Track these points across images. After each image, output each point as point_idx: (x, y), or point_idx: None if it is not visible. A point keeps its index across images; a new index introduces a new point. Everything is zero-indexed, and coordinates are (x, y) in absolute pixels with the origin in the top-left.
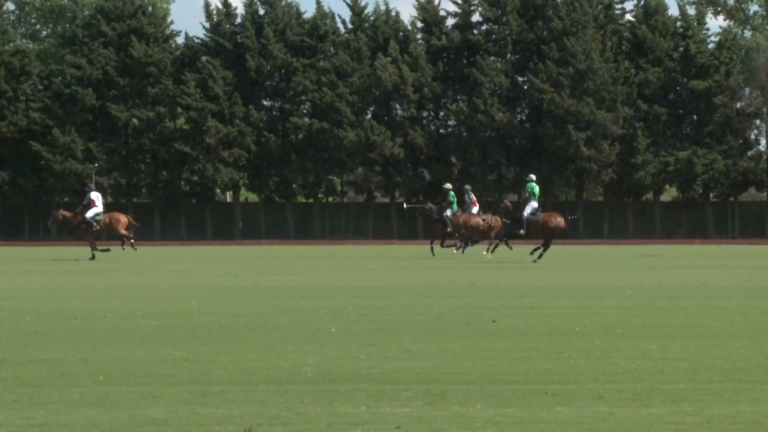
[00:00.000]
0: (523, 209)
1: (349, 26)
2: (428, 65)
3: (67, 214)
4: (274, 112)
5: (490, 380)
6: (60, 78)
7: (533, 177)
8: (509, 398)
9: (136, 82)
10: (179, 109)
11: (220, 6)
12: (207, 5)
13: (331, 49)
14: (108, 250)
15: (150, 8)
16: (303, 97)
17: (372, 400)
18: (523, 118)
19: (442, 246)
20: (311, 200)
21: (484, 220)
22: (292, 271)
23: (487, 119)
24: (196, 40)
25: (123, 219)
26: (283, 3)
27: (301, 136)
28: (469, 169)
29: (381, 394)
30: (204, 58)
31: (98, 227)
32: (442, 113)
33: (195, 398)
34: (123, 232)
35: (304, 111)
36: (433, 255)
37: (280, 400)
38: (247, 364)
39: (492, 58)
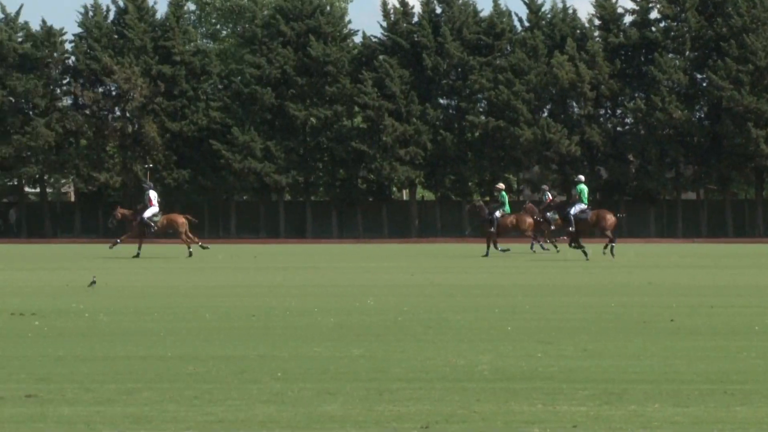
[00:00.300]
0: (570, 208)
1: (526, 24)
2: (605, 63)
3: (126, 212)
4: (451, 111)
5: (668, 379)
6: (239, 77)
7: (582, 178)
8: (687, 398)
9: (314, 81)
10: (356, 108)
11: (398, 5)
12: (384, 4)
13: (508, 47)
14: (204, 247)
15: (328, 8)
16: (479, 96)
17: (548, 399)
18: (702, 115)
19: (495, 247)
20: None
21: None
22: (467, 269)
23: (665, 117)
24: (373, 39)
25: (181, 220)
26: (460, 2)
27: (477, 134)
28: (647, 167)
29: (557, 393)
30: (381, 57)
31: (156, 228)
32: (619, 111)
33: (372, 395)
34: (184, 237)
35: (480, 109)
36: (486, 255)
37: (455, 397)
38: (424, 362)
39: (670, 55)
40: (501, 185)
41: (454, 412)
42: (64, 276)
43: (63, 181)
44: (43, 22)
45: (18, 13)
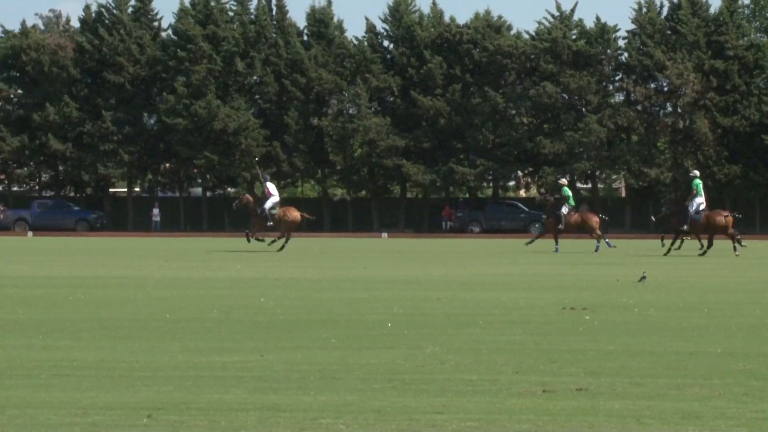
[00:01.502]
0: (689, 206)
1: None
2: None
3: (251, 199)
4: None
5: None
6: None
7: (697, 173)
8: None
9: None
10: None
11: None
12: None
13: None
14: (262, 240)
15: None
16: None
17: None
18: None
19: (555, 242)
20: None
21: (601, 216)
22: None
23: None
24: None
25: (295, 214)
26: None
27: None
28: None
29: None
30: None
31: (272, 222)
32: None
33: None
34: (287, 233)
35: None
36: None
37: None
38: None
39: None
40: (564, 180)
41: None
42: (614, 271)
43: (614, 176)
44: (597, 19)
45: (573, 10)
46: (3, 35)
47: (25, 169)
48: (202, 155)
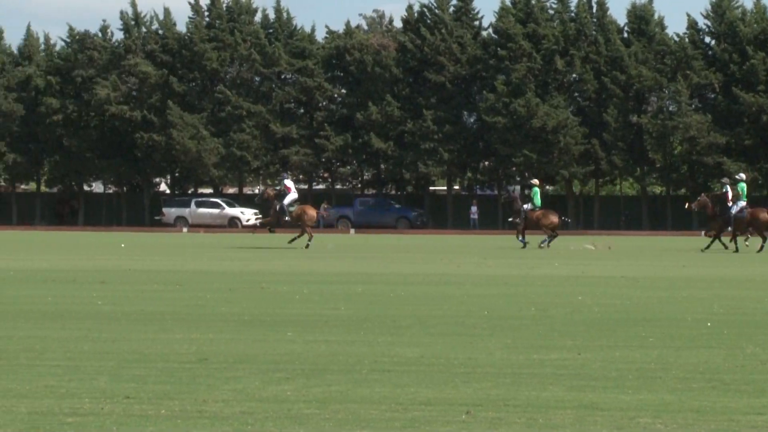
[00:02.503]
0: (730, 207)
1: None
2: None
3: (272, 194)
4: None
5: None
6: None
7: (743, 176)
8: None
9: None
10: None
11: None
12: None
13: None
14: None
15: None
16: None
17: None
18: None
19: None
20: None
21: (562, 218)
22: None
23: None
24: None
25: (312, 213)
26: None
27: None
28: None
29: None
30: None
31: (289, 218)
32: None
33: None
34: (307, 229)
35: None
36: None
37: None
38: None
39: None
40: (536, 180)
41: None
42: None
43: None
44: None
45: None
46: (328, 35)
47: (348, 167)
48: (521, 153)
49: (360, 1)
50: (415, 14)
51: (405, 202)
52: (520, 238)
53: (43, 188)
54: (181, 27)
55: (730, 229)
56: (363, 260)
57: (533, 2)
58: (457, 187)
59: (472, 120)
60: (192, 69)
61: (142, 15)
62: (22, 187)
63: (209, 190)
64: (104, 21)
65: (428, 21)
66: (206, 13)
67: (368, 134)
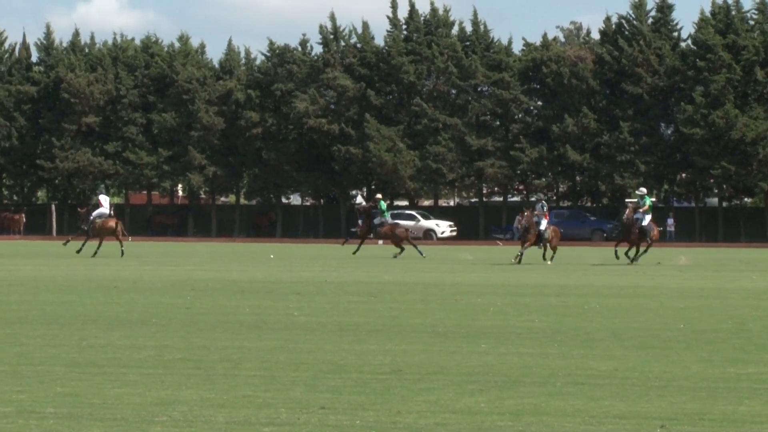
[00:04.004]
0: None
1: None
2: None
3: (83, 212)
4: None
5: None
6: None
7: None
8: None
9: None
10: None
11: None
12: None
13: None
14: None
15: None
16: None
17: None
18: None
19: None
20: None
21: (406, 230)
22: None
23: None
24: None
25: (111, 223)
26: None
27: None
28: None
29: None
30: None
31: (87, 229)
32: None
33: None
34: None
35: None
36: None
37: None
38: None
39: None
40: (379, 195)
41: None
42: None
43: None
44: None
45: None
46: (524, 48)
47: (543, 179)
48: (719, 165)
49: (557, 13)
50: (613, 26)
51: (600, 214)
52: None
53: (242, 200)
54: (379, 40)
55: None
56: (556, 272)
57: (733, 13)
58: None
59: (669, 132)
60: (389, 82)
61: (341, 29)
62: (222, 199)
63: (405, 203)
64: (304, 35)
65: (626, 32)
66: (404, 27)
67: (564, 146)
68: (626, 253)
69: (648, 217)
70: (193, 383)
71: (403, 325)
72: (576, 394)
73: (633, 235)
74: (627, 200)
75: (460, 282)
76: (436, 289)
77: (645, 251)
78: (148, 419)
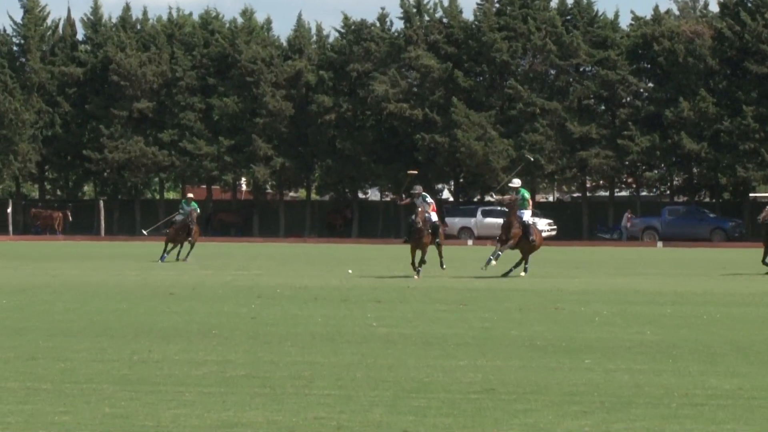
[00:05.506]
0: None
1: None
2: None
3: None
4: None
5: None
6: None
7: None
8: None
9: None
10: None
11: None
12: None
13: None
14: None
15: None
16: None
17: None
18: None
19: None
20: None
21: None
22: None
23: None
24: None
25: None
26: None
27: None
28: None
29: None
30: None
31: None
32: None
33: None
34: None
35: None
36: None
37: None
38: None
39: None
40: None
41: None
42: None
43: None
44: None
45: None
46: (633, 22)
47: (656, 171)
48: None
49: None
50: None
51: (721, 211)
52: None
53: (313, 196)
54: (468, 15)
55: None
56: (671, 277)
57: None
58: None
59: None
60: (479, 62)
61: (425, 2)
62: (291, 194)
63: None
64: (383, 9)
65: (749, 4)
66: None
67: (679, 134)
68: (763, 261)
69: None
70: (259, 403)
71: (497, 338)
72: (694, 417)
73: None
74: None
75: (560, 287)
76: (535, 296)
77: None
78: None
